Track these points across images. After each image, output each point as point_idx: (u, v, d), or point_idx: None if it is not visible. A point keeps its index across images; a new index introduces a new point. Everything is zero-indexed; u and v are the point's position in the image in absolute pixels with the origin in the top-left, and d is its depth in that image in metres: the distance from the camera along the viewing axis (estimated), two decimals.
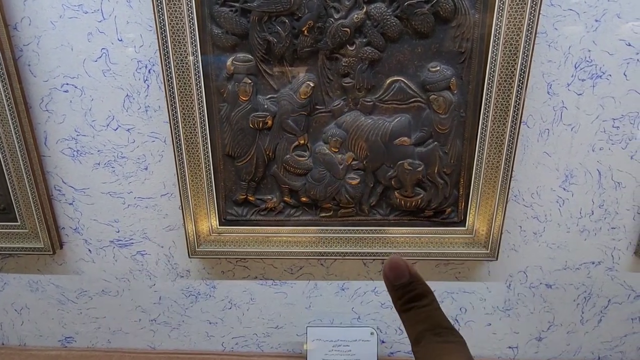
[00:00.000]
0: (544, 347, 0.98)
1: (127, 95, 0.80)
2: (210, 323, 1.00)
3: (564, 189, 0.84)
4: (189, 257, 0.88)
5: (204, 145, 0.78)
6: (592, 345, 0.98)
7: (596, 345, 0.98)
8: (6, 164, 0.81)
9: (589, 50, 0.75)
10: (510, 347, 0.99)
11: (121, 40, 0.76)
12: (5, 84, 0.76)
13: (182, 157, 0.79)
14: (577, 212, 0.85)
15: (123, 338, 1.02)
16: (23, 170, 0.82)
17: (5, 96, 0.77)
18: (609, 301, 0.93)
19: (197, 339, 1.01)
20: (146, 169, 0.85)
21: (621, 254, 0.88)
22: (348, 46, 0.72)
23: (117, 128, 0.82)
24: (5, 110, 0.77)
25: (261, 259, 0.91)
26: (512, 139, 0.75)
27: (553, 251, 0.89)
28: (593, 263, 0.89)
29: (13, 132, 0.79)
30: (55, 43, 0.77)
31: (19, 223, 0.87)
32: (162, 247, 0.92)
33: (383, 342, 1.00)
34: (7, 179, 0.83)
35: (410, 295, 0.27)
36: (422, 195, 0.81)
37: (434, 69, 0.73)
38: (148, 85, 0.79)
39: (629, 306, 0.93)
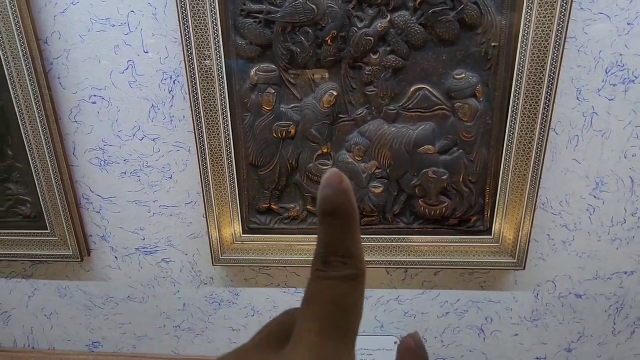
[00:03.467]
0: (573, 358, 0.95)
1: (153, 105, 0.81)
2: (233, 330, 1.00)
3: (595, 197, 0.81)
4: (213, 264, 0.88)
5: (227, 155, 0.79)
6: (625, 357, 0.94)
7: (629, 357, 0.94)
8: (37, 174, 0.84)
9: (621, 55, 0.72)
10: (538, 358, 0.96)
11: (147, 52, 0.78)
12: (36, 96, 0.78)
13: (206, 167, 0.80)
14: (609, 220, 0.83)
15: (148, 344, 1.04)
16: (53, 179, 0.84)
17: (37, 108, 0.79)
18: None
19: (220, 345, 1.02)
20: (171, 178, 0.86)
21: None
22: (372, 55, 0.71)
23: (142, 138, 0.83)
24: (37, 122, 0.80)
25: (284, 267, 0.92)
26: (541, 146, 0.73)
27: (583, 260, 0.86)
28: (626, 273, 0.86)
29: (44, 142, 0.81)
30: (84, 56, 0.79)
31: (49, 231, 0.89)
32: (186, 254, 0.93)
33: None
34: (37, 188, 0.85)
35: (327, 207, 0.21)
36: (446, 204, 0.80)
37: (459, 77, 0.72)
38: (173, 96, 0.80)
39: None
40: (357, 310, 0.21)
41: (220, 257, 0.87)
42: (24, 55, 0.75)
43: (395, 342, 0.91)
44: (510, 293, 0.91)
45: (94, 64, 0.79)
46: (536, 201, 0.78)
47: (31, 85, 0.77)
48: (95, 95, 0.81)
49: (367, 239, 0.84)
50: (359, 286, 0.21)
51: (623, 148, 0.78)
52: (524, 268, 0.83)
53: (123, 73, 0.79)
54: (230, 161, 0.79)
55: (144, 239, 0.92)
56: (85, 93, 0.81)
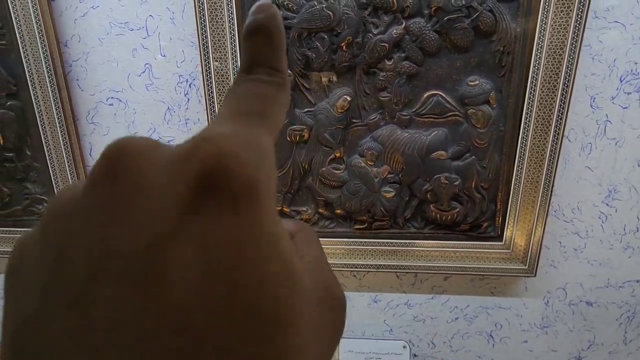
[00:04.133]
0: None
1: (168, 108, 0.82)
2: None
3: (607, 205, 0.81)
4: None
5: None
6: None
7: None
8: (54, 174, 0.85)
9: (635, 63, 0.72)
10: None
11: (164, 55, 0.79)
12: (55, 97, 0.80)
13: None
14: (621, 228, 0.83)
15: None
16: (70, 179, 0.85)
17: (56, 109, 0.80)
18: None
19: None
20: None
21: None
22: (386, 61, 0.72)
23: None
24: (55, 122, 0.81)
25: None
26: (554, 153, 0.74)
27: (594, 268, 0.86)
28: (638, 281, 0.86)
29: (61, 143, 0.83)
30: (102, 59, 0.80)
31: None
32: None
33: (415, 355, 0.98)
34: (54, 187, 0.87)
35: (253, 25, 0.20)
36: (458, 209, 0.80)
37: (472, 83, 0.72)
38: (188, 99, 0.81)
39: None
40: (280, 106, 0.19)
41: None
42: (44, 57, 0.77)
43: (404, 347, 0.91)
44: (520, 299, 0.91)
45: (112, 66, 0.81)
46: (548, 208, 0.78)
47: (51, 86, 0.79)
48: (112, 97, 0.83)
49: (378, 242, 0.85)
50: (283, 92, 0.20)
51: (636, 156, 0.77)
52: (535, 275, 0.83)
53: (140, 76, 0.81)
54: None
55: None
56: (102, 95, 0.83)
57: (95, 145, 0.86)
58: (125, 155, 0.14)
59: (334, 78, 0.75)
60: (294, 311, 0.14)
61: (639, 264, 0.85)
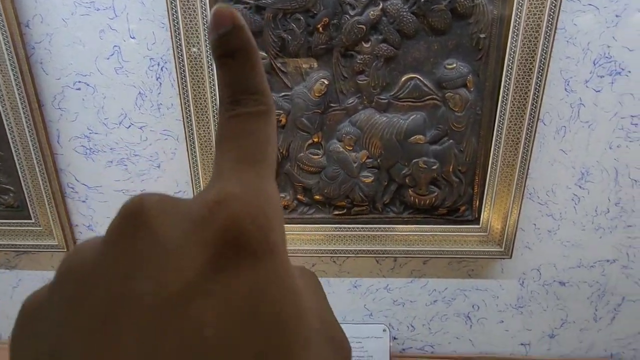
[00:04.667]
0: (556, 343, 0.98)
1: (140, 92, 0.79)
2: None
3: (580, 187, 0.83)
4: None
5: None
6: (605, 342, 0.98)
7: (609, 342, 0.98)
8: (20, 162, 0.82)
9: (609, 46, 0.73)
10: (522, 344, 0.99)
11: (133, 37, 0.76)
12: (18, 82, 0.76)
13: (195, 155, 0.79)
14: (593, 210, 0.85)
15: None
16: (37, 167, 0.82)
17: (19, 94, 0.76)
18: (623, 299, 0.92)
19: None
20: (159, 167, 0.85)
21: (637, 251, 0.87)
22: (363, 43, 0.71)
23: (129, 126, 0.82)
24: (19, 109, 0.77)
25: None
26: (529, 136, 0.74)
27: (567, 249, 0.88)
28: (608, 261, 0.89)
29: (26, 130, 0.79)
30: (67, 40, 0.76)
31: (33, 221, 0.87)
32: None
33: (395, 338, 1.00)
34: (20, 176, 0.83)
35: (224, 49, 0.19)
36: (436, 194, 0.80)
37: (450, 66, 0.72)
38: (160, 83, 0.78)
39: None
40: (272, 142, 0.20)
41: None
42: (4, 39, 0.73)
43: (384, 330, 0.92)
44: (497, 281, 0.92)
45: (78, 48, 0.77)
46: (524, 191, 0.79)
47: (12, 70, 0.75)
48: (79, 82, 0.79)
49: (357, 228, 0.85)
50: (270, 120, 0.20)
51: (608, 139, 0.79)
52: (511, 257, 0.85)
53: (108, 59, 0.77)
54: None
55: None
56: (69, 79, 0.79)
57: (63, 132, 0.83)
58: (143, 213, 0.15)
59: (315, 64, 0.73)
60: (308, 352, 0.15)
61: (609, 245, 0.87)
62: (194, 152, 0.78)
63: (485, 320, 0.97)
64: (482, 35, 0.69)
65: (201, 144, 0.78)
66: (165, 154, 0.84)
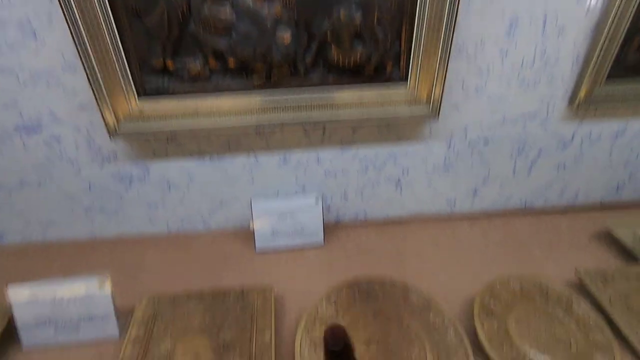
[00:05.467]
0: (478, 198, 1.05)
1: None
2: (150, 206, 0.96)
3: (508, 38, 0.80)
4: (111, 138, 0.79)
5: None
6: (521, 193, 1.05)
7: (525, 193, 1.05)
8: None
9: None
10: (447, 200, 1.04)
11: None
12: None
13: (74, 17, 0.65)
14: (519, 63, 0.83)
15: (58, 229, 0.97)
16: None
17: None
18: (539, 151, 0.97)
19: (139, 223, 0.98)
20: (34, 35, 0.70)
21: (557, 104, 0.89)
22: None
23: None
24: None
25: (193, 134, 0.85)
26: None
27: (493, 105, 0.88)
28: (529, 114, 0.90)
29: None
30: None
31: None
32: (78, 129, 0.82)
33: (330, 209, 1.02)
34: None
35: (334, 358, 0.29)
36: (361, 50, 0.74)
37: None
38: None
39: (556, 155, 0.98)
40: None
41: (118, 129, 0.78)
42: None
43: (316, 199, 0.93)
44: (426, 143, 0.93)
45: None
46: (451, 45, 0.75)
47: None
48: None
49: (280, 98, 0.78)
50: None
51: None
52: (438, 117, 0.84)
53: None
54: (104, 7, 0.65)
55: (22, 115, 0.79)
56: None
57: None
58: None
59: None
60: None
61: (532, 98, 0.88)
62: (72, 13, 0.64)
63: (415, 182, 1.00)
64: None
65: (79, 2, 0.64)
66: (39, 19, 0.69)
